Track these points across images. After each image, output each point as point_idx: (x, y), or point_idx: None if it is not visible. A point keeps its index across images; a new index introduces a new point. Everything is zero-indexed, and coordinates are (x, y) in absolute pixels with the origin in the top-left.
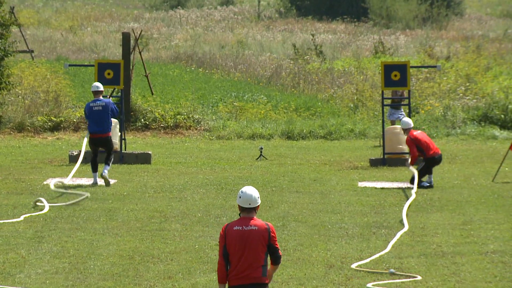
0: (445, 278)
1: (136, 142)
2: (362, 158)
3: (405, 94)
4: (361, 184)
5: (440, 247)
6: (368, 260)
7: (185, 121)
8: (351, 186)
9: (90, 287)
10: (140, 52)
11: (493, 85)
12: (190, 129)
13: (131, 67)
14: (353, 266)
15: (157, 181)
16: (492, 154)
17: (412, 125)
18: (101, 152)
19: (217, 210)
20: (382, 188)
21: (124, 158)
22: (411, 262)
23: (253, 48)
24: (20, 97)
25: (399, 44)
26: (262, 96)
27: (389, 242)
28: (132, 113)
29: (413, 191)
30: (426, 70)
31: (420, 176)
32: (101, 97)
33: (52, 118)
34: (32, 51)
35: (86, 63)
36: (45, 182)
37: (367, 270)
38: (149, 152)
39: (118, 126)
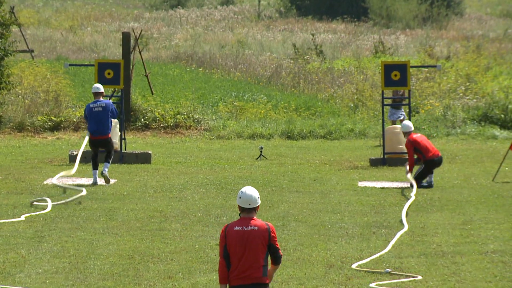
0: (445, 277)
1: (136, 142)
2: (362, 157)
3: (406, 94)
4: (361, 183)
5: (440, 247)
6: (368, 259)
7: (185, 120)
8: (351, 185)
9: (90, 286)
10: (140, 52)
11: (493, 85)
12: (190, 128)
13: (131, 66)
14: (353, 266)
15: (157, 181)
16: (492, 154)
17: (413, 128)
18: (101, 152)
19: (217, 210)
20: (382, 188)
21: (124, 158)
22: (411, 262)
23: (253, 48)
24: (20, 96)
25: (399, 44)
26: (262, 95)
27: (389, 242)
28: (132, 113)
29: (412, 194)
30: (426, 70)
31: (420, 179)
32: (101, 98)
33: (52, 118)
34: (32, 51)
35: (86, 63)
36: (45, 182)
37: (367, 270)
38: (149, 152)
39: (118, 125)
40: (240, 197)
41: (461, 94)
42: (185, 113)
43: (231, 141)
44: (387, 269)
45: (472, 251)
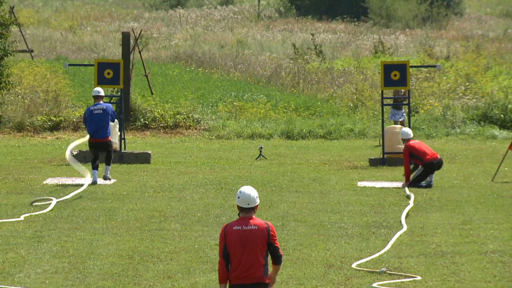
0: (444, 277)
1: (135, 142)
2: (361, 157)
3: (406, 94)
4: (361, 183)
5: (439, 247)
6: (368, 259)
7: (184, 120)
8: (350, 185)
9: (89, 286)
10: (139, 52)
11: (493, 84)
12: (189, 128)
13: (130, 66)
14: (353, 265)
15: (157, 181)
16: (492, 154)
17: (412, 135)
18: (101, 152)
19: (216, 210)
20: (382, 188)
21: (123, 158)
22: (410, 262)
23: (253, 48)
24: (19, 96)
25: (399, 44)
26: (262, 95)
27: (388, 242)
28: (131, 113)
29: (411, 201)
30: (425, 69)
31: (418, 181)
32: (101, 102)
33: (51, 117)
34: (32, 51)
35: (85, 63)
36: (44, 182)
37: (364, 269)
38: (149, 152)
39: (117, 125)
40: (239, 197)
41: (460, 94)
42: (185, 113)
43: (230, 141)
44: (382, 269)
45: (472, 251)
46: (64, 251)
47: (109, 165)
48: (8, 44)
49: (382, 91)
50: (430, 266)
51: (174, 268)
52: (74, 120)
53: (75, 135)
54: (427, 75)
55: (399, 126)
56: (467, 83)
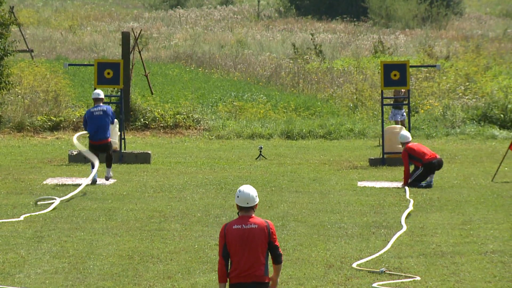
0: (444, 278)
1: (135, 142)
2: (361, 157)
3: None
4: (361, 183)
5: (439, 247)
6: (368, 259)
7: (184, 120)
8: (350, 185)
9: (89, 287)
10: (139, 52)
11: (493, 84)
12: (189, 128)
13: (130, 66)
14: (354, 265)
15: (157, 181)
16: (492, 154)
17: (410, 138)
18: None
19: (216, 210)
20: (382, 188)
21: (123, 158)
22: (410, 262)
23: (253, 48)
24: (19, 96)
25: (399, 44)
26: (262, 95)
27: (388, 242)
28: (131, 113)
29: (410, 204)
30: (425, 69)
31: (418, 181)
32: (101, 104)
33: (51, 117)
34: (32, 51)
35: (85, 63)
36: (44, 182)
37: (364, 269)
38: (149, 152)
39: (117, 125)
40: (238, 196)
41: (460, 94)
42: (185, 113)
43: (230, 141)
44: (382, 269)
45: (472, 251)
46: (64, 251)
47: (110, 167)
48: (8, 44)
49: (382, 91)
50: (430, 266)
51: (174, 268)
52: (74, 120)
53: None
54: (427, 75)
55: (399, 126)
56: (467, 83)
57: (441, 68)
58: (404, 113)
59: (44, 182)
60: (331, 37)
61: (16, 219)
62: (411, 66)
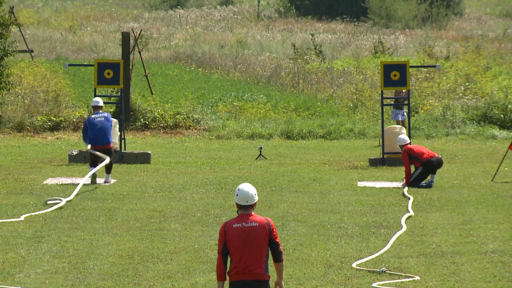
0: (444, 277)
1: (135, 142)
2: (361, 157)
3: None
4: (361, 183)
5: (439, 247)
6: (368, 258)
7: (184, 120)
8: (350, 185)
9: (89, 287)
10: (139, 52)
11: (493, 85)
12: (189, 128)
13: (130, 67)
14: (354, 265)
15: (157, 181)
16: (492, 154)
17: (408, 141)
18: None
19: (216, 210)
20: (382, 188)
21: (123, 158)
22: (410, 262)
23: (253, 48)
24: (19, 96)
25: (399, 44)
26: (262, 95)
27: (388, 242)
28: (131, 113)
29: (409, 208)
30: (425, 70)
31: (418, 181)
32: (101, 111)
33: (51, 117)
34: (32, 51)
35: (85, 63)
36: (44, 182)
37: (364, 269)
38: (149, 152)
39: (117, 125)
40: (237, 195)
41: (460, 94)
42: (185, 113)
43: (230, 141)
44: (383, 269)
45: (472, 251)
46: (64, 251)
47: (109, 173)
48: (8, 44)
49: (382, 91)
50: (430, 266)
51: (174, 268)
52: (74, 120)
53: (75, 135)
54: (427, 75)
55: (399, 126)
56: (467, 83)
57: (441, 68)
58: (405, 113)
59: (44, 182)
60: (331, 37)
61: (17, 219)
62: (411, 67)
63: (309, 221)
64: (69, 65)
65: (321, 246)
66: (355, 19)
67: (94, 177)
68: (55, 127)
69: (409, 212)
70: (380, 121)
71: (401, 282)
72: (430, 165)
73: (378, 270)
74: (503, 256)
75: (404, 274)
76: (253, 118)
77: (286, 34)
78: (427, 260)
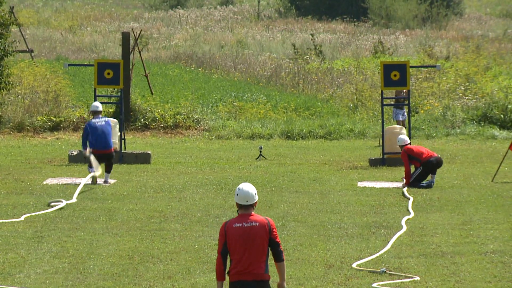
0: (444, 278)
1: (135, 142)
2: (361, 158)
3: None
4: (361, 184)
5: (439, 247)
6: (368, 259)
7: (184, 121)
8: (350, 186)
9: (89, 287)
10: (139, 52)
11: (493, 85)
12: (189, 129)
13: (130, 67)
14: (354, 265)
15: (157, 181)
16: (492, 154)
17: (408, 141)
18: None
19: (216, 210)
20: (382, 188)
21: (123, 158)
22: (410, 262)
23: (253, 48)
24: (19, 97)
25: (399, 44)
26: (262, 96)
27: (388, 242)
28: (131, 113)
29: (410, 208)
30: (425, 70)
31: (418, 181)
32: (100, 116)
33: (51, 118)
34: (32, 51)
35: (85, 63)
36: (44, 182)
37: (364, 269)
38: (149, 152)
39: (117, 125)
40: (237, 194)
41: (460, 94)
42: (185, 113)
43: (230, 141)
44: (383, 269)
45: (472, 251)
46: (64, 251)
47: (109, 172)
48: (8, 44)
49: (382, 91)
50: (430, 266)
51: (174, 268)
52: (74, 120)
53: (75, 135)
54: (427, 75)
55: (399, 126)
56: (467, 83)
57: (441, 69)
58: (405, 113)
59: (44, 182)
60: (331, 37)
61: (17, 219)
62: (411, 67)
63: (309, 221)
64: (69, 65)
65: (321, 246)
66: (355, 19)
67: (94, 177)
68: (55, 127)
69: (410, 213)
70: (380, 121)
71: (401, 282)
72: (430, 165)
73: (379, 270)
74: (503, 256)
75: (404, 275)
76: (253, 118)
77: (286, 34)
78: (427, 261)
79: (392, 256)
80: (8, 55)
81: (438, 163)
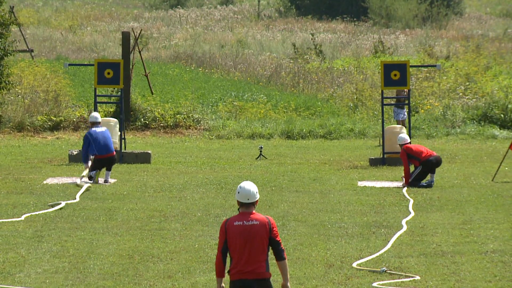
0: (444, 277)
1: (136, 142)
2: (361, 157)
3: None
4: (361, 183)
5: (439, 247)
6: (368, 258)
7: (184, 120)
8: (350, 185)
9: (90, 286)
10: (139, 52)
11: (493, 84)
12: (189, 128)
13: (130, 66)
14: (354, 265)
15: (157, 181)
16: (492, 154)
17: (409, 140)
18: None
19: (216, 210)
20: (382, 188)
21: (124, 158)
22: (410, 261)
23: (253, 48)
24: (20, 96)
25: (399, 44)
26: (262, 95)
27: (388, 241)
28: (132, 113)
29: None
30: (425, 69)
31: (418, 180)
32: (99, 125)
33: (51, 117)
34: (32, 51)
35: (86, 63)
36: (44, 182)
37: (364, 268)
38: (149, 152)
39: (117, 125)
40: (238, 192)
41: (460, 94)
42: (185, 113)
43: (230, 141)
44: (383, 268)
45: (472, 251)
46: (64, 250)
47: (110, 170)
48: (8, 44)
49: (382, 91)
50: (430, 265)
51: (174, 267)
52: (74, 120)
53: (75, 135)
54: (427, 75)
55: (399, 126)
56: (467, 83)
57: (441, 68)
58: (405, 113)
59: (44, 182)
60: (331, 37)
61: (17, 219)
62: (411, 66)
63: (309, 221)
64: (69, 64)
65: (322, 246)
66: (355, 19)
67: (84, 176)
68: (55, 127)
69: (410, 213)
70: (380, 120)
71: (402, 281)
72: (429, 164)
73: (379, 269)
74: (503, 255)
75: (404, 274)
76: (253, 118)
77: (286, 33)
78: (427, 260)
79: (392, 255)
80: (8, 54)
81: (437, 162)
